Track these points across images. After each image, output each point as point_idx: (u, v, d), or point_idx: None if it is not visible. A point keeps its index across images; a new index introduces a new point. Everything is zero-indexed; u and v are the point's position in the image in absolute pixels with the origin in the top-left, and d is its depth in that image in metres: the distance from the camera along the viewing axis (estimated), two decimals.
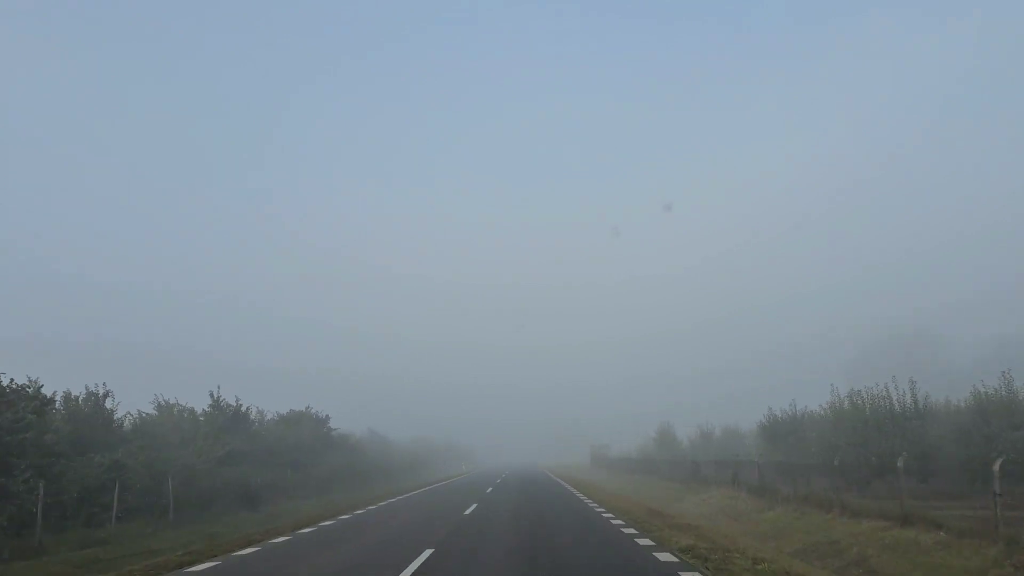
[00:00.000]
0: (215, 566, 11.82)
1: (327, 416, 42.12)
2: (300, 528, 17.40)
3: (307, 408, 40.87)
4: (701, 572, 10.06)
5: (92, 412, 22.71)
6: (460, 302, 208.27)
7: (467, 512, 20.09)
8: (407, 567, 10.79)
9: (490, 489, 32.27)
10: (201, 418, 29.57)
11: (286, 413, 38.01)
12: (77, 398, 22.86)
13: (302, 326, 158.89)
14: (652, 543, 12.98)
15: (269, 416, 36.46)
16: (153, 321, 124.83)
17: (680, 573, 9.97)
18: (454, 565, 11.30)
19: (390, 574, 10.36)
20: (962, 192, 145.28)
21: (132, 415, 27.63)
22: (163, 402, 30.64)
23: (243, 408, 30.84)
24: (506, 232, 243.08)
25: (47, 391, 18.85)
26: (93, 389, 23.35)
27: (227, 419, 29.74)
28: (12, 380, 17.35)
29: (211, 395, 30.46)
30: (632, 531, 14.90)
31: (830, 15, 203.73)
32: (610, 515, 18.53)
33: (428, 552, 12.29)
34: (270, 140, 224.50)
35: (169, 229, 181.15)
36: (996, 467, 10.88)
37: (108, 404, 23.61)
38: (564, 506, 22.55)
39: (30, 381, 18.31)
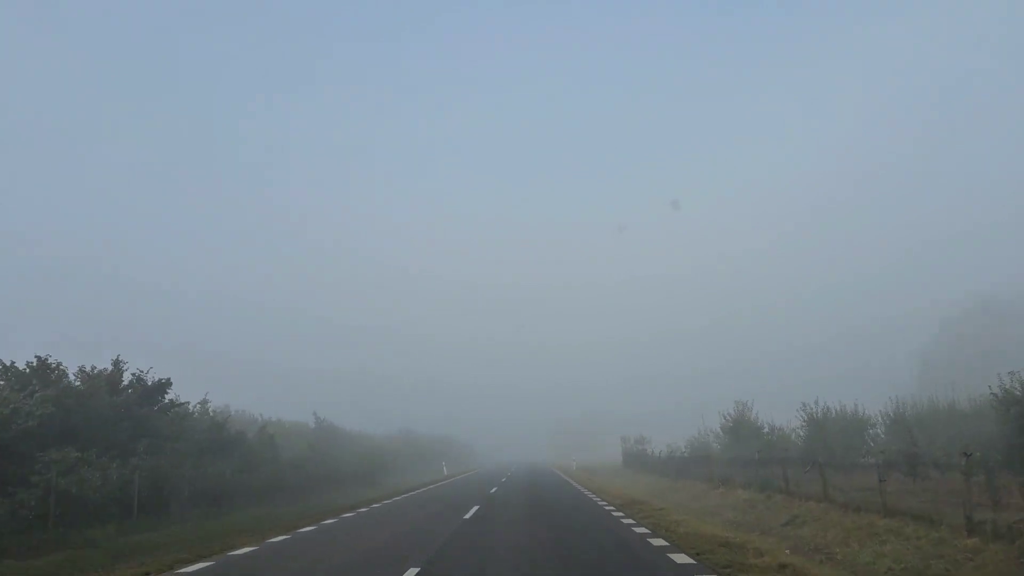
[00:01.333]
0: None
1: (159, 381, 22.44)
2: None
3: (119, 361, 21.28)
4: None
5: None
6: (461, 300, 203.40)
7: None
8: None
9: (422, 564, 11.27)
10: None
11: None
12: None
13: (298, 323, 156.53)
14: None
15: None
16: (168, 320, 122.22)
17: None
18: None
19: None
20: (976, 183, 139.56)
21: None
22: None
23: None
24: (508, 231, 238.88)
25: None
26: None
27: None
28: None
29: None
30: None
31: (839, 11, 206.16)
32: None
33: None
34: (262, 128, 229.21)
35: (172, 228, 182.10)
36: None
37: None
38: None
39: None
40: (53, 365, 18.46)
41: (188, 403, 24.23)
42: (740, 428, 36.30)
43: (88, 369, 20.44)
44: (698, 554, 11.28)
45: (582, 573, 10.17)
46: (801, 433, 31.14)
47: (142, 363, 22.37)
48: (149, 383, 22.13)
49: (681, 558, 10.93)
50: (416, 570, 10.24)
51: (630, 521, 16.57)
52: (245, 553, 12.84)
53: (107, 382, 20.64)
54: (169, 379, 22.85)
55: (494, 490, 31.47)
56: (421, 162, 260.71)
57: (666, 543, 12.63)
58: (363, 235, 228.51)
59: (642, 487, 33.01)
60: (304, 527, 16.94)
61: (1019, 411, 17.15)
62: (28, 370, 17.95)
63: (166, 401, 22.68)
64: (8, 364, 17.85)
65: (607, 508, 20.50)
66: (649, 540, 13.07)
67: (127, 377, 21.70)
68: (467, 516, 18.90)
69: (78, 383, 19.66)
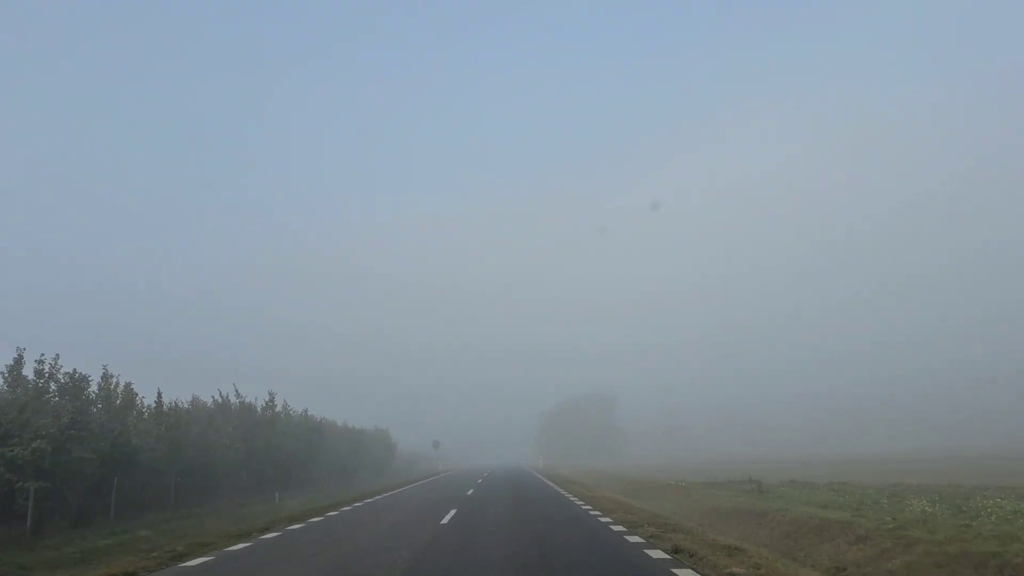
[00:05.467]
0: None
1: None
2: None
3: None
4: None
5: None
6: (453, 303, 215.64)
7: None
8: None
9: None
10: None
11: None
12: None
13: (287, 327, 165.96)
14: None
15: None
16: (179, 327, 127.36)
17: None
18: None
19: None
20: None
21: None
22: None
23: None
24: (503, 236, 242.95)
25: None
26: None
27: None
28: None
29: None
30: None
31: (829, 17, 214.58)
32: None
33: None
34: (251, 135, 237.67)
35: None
36: None
37: None
38: None
39: None
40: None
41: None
42: None
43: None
44: None
45: None
46: None
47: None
48: None
49: None
50: None
51: None
52: None
53: None
54: None
55: None
56: (416, 169, 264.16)
57: None
58: (353, 242, 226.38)
59: None
60: None
61: None
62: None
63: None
64: None
65: None
66: None
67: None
68: None
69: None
